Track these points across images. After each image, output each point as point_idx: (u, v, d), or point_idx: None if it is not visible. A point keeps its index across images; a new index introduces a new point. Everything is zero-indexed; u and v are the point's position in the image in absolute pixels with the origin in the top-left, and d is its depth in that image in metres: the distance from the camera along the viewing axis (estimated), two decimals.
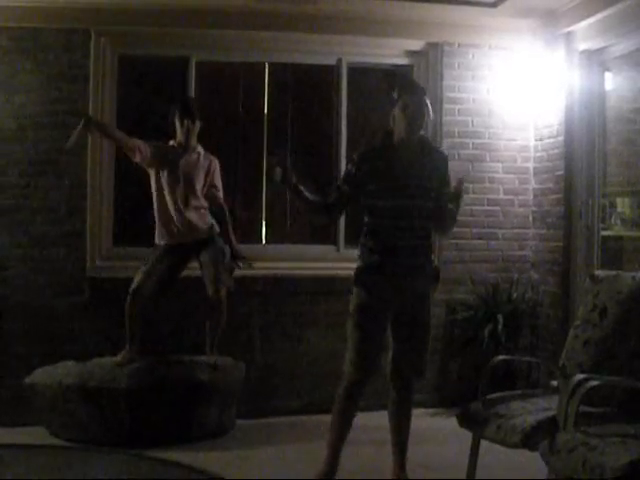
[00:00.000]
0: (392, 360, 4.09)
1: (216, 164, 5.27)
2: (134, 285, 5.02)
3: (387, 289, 3.97)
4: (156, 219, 5.15)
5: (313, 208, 4.09)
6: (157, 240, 5.16)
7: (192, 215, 5.10)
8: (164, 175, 5.08)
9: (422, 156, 4.01)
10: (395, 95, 3.98)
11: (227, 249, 5.19)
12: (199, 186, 5.16)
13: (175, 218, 5.09)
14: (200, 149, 5.21)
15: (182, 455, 4.33)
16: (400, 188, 3.93)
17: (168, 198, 5.08)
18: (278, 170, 3.89)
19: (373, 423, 4.51)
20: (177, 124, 5.13)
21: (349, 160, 4.07)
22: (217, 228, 5.21)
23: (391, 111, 3.99)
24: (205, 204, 5.21)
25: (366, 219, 4.02)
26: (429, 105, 4.00)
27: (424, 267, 4.05)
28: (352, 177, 4.00)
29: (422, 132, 4.06)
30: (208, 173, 5.21)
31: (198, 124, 5.15)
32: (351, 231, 5.57)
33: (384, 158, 3.98)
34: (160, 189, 5.10)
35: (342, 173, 4.10)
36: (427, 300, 4.09)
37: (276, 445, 4.90)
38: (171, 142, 5.18)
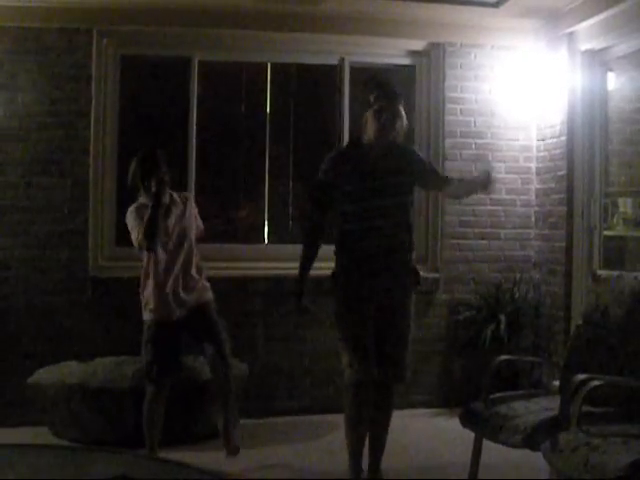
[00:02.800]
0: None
1: (190, 202, 4.68)
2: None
3: (368, 290, 3.99)
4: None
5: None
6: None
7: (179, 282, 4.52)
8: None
9: (391, 155, 4.03)
10: (371, 99, 3.99)
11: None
12: (185, 243, 4.54)
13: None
14: (172, 197, 4.60)
15: (184, 455, 4.33)
16: (372, 189, 3.96)
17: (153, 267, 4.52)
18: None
19: None
20: (140, 185, 4.53)
21: (319, 168, 4.07)
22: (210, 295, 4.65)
23: (364, 114, 4.00)
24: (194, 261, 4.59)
25: (340, 222, 4.03)
26: (403, 112, 4.00)
27: (404, 266, 4.06)
28: (326, 184, 4.03)
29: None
30: (185, 216, 4.59)
31: (167, 177, 4.50)
32: None
33: (353, 160, 4.01)
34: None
35: (315, 184, 4.09)
36: (408, 300, 4.07)
37: (278, 445, 4.90)
38: (140, 200, 4.59)
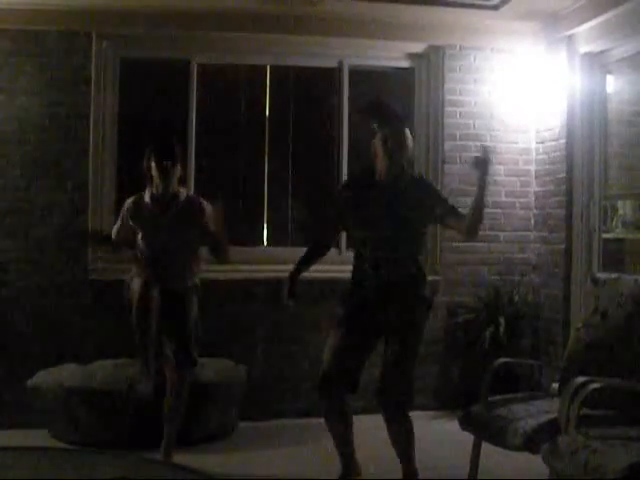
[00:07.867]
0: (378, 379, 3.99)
1: (204, 207, 4.54)
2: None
3: (366, 311, 3.96)
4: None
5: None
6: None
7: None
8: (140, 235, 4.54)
9: (403, 187, 3.98)
10: (375, 126, 4.00)
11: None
12: (185, 241, 4.52)
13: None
14: (183, 194, 4.58)
15: (184, 457, 4.33)
16: (378, 219, 3.95)
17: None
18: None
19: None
20: (153, 168, 4.44)
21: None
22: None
23: (372, 141, 4.02)
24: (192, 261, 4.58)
25: (355, 246, 4.14)
26: (409, 135, 4.00)
27: (408, 295, 3.98)
28: (335, 207, 4.20)
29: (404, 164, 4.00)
30: (196, 220, 4.51)
31: (179, 168, 4.51)
32: None
33: (363, 188, 4.04)
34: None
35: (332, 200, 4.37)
36: (414, 327, 3.95)
37: (278, 447, 4.90)
38: (146, 193, 4.54)
